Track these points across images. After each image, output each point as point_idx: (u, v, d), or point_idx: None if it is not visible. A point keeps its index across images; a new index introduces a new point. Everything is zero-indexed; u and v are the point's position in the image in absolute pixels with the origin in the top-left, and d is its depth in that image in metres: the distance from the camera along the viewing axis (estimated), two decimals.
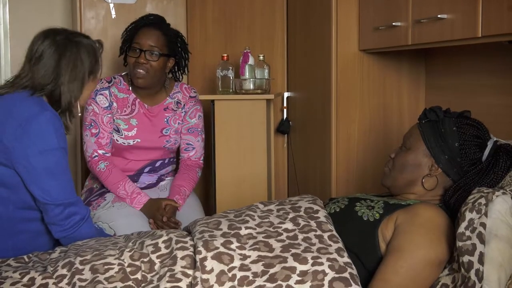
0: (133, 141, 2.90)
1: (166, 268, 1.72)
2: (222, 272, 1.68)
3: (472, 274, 1.61)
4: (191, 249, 1.78)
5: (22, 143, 2.11)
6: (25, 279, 1.74)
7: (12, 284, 1.71)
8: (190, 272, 1.71)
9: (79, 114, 2.41)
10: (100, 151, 2.86)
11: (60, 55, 2.22)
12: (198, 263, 1.70)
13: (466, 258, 1.63)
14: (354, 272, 1.69)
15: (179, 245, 1.80)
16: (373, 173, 2.90)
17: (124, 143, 2.90)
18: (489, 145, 1.91)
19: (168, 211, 2.76)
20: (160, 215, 2.74)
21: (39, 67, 2.22)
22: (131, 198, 2.80)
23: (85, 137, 2.87)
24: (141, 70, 2.82)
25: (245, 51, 3.20)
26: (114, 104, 2.88)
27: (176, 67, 3.01)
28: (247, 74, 3.17)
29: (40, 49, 2.23)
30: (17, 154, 2.11)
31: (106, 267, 1.75)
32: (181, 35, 3.01)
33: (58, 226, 2.20)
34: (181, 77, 3.08)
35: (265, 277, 1.66)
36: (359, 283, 1.67)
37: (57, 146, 2.15)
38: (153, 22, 2.90)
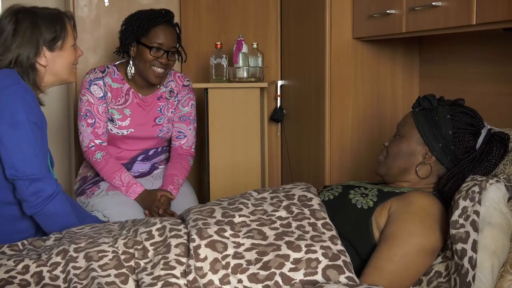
0: (127, 131, 2.89)
1: (160, 256, 1.72)
2: (215, 260, 1.68)
3: (466, 261, 1.61)
4: (185, 237, 1.78)
5: None
6: (19, 266, 1.74)
7: (6, 271, 1.71)
8: (184, 260, 1.71)
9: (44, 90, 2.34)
10: (97, 141, 2.85)
11: (16, 25, 2.22)
12: (192, 251, 1.70)
13: (459, 246, 1.63)
14: (348, 259, 1.70)
15: (173, 233, 1.80)
16: (366, 161, 2.90)
17: (118, 133, 2.89)
18: (483, 133, 1.91)
19: (163, 202, 2.77)
20: (156, 207, 2.74)
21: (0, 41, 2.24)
22: (126, 187, 2.80)
23: (81, 128, 2.86)
24: (162, 70, 2.82)
25: (239, 39, 3.19)
26: (109, 94, 2.87)
27: None
28: (240, 62, 3.16)
29: (2, 24, 2.24)
30: None
31: (100, 254, 1.75)
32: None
33: (27, 202, 2.17)
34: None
35: (258, 265, 1.67)
36: (353, 270, 1.67)
37: (25, 120, 2.11)
38: (170, 19, 2.86)
